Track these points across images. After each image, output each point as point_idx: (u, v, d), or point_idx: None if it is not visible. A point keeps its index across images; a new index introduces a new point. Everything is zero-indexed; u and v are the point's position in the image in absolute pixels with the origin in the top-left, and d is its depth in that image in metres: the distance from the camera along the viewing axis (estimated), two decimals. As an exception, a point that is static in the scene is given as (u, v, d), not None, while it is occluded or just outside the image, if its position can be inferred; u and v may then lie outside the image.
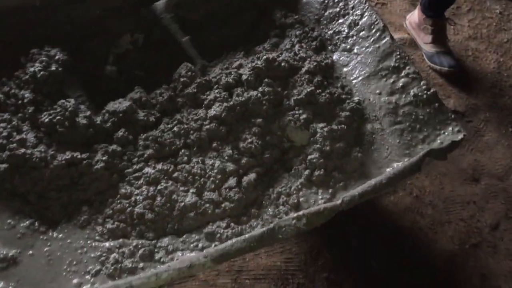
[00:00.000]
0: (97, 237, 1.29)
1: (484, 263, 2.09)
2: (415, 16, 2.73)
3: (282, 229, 1.16)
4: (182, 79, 1.50)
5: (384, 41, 1.54)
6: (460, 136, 1.39)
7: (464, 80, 2.67)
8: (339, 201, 1.20)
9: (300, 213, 1.18)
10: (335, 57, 1.61)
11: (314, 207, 1.19)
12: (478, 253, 2.11)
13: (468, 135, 2.47)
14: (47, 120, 1.37)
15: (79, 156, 1.35)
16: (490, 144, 2.46)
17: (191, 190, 1.37)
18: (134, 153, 1.41)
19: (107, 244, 1.27)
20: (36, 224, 1.27)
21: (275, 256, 1.98)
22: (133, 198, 1.33)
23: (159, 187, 1.35)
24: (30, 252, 1.23)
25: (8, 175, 1.29)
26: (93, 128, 1.42)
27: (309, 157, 1.42)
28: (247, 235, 1.13)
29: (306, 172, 1.42)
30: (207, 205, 1.35)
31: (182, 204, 1.33)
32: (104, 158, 1.37)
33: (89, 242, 1.27)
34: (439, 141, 1.41)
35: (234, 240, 1.13)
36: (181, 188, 1.37)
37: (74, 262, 1.23)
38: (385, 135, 1.47)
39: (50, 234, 1.27)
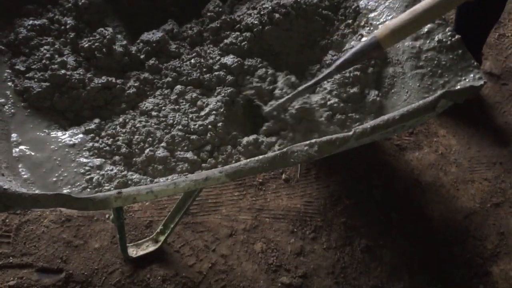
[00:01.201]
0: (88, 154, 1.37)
1: (504, 222, 2.10)
2: None
3: (294, 153, 1.22)
4: (209, 14, 1.58)
5: (413, -14, 1.55)
6: (480, 83, 1.41)
7: (503, 43, 2.62)
8: (351, 132, 1.25)
9: (313, 140, 1.24)
10: (363, 2, 1.64)
11: (327, 136, 1.25)
12: (499, 213, 2.12)
13: (502, 98, 2.45)
14: (86, 45, 1.48)
15: (113, 81, 1.45)
16: (524, 108, 2.43)
17: None
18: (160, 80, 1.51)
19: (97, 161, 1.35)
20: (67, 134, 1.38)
21: (295, 198, 2.06)
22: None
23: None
24: (54, 158, 1.33)
25: (49, 93, 1.41)
26: (128, 56, 1.52)
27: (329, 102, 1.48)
28: (260, 156, 1.21)
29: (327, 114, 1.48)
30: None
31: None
32: (136, 84, 1.47)
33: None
34: (459, 87, 1.43)
35: (248, 160, 1.21)
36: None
37: (65, 174, 1.30)
38: (406, 78, 1.50)
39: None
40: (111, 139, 1.37)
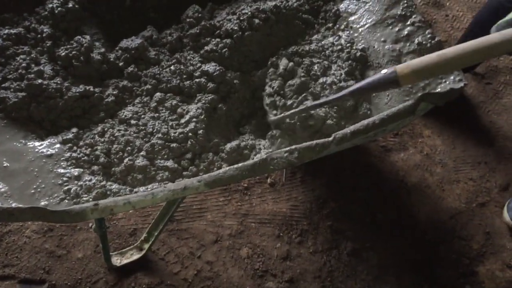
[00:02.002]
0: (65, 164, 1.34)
1: (490, 222, 2.11)
2: None
3: (274, 160, 1.21)
4: (188, 20, 1.56)
5: (393, -11, 1.55)
6: (460, 85, 1.40)
7: (487, 42, 2.62)
8: (331, 138, 1.24)
9: (293, 147, 1.23)
10: (343, 5, 1.63)
11: (307, 143, 1.24)
12: (484, 212, 2.12)
13: (486, 98, 2.46)
14: (63, 54, 1.46)
15: (91, 89, 1.44)
16: (508, 107, 2.43)
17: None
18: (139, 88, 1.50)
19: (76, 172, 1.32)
20: (44, 144, 1.36)
21: (281, 203, 2.05)
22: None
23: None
24: (31, 169, 1.30)
25: (25, 103, 1.39)
26: (106, 64, 1.50)
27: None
28: (240, 164, 1.20)
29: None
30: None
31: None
32: (114, 92, 1.45)
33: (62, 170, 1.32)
34: (439, 89, 1.43)
35: (227, 168, 1.19)
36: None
37: (43, 185, 1.28)
38: (387, 82, 1.49)
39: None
40: (89, 149, 1.35)
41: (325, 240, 1.97)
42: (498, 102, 2.44)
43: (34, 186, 1.27)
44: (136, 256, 1.79)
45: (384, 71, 1.23)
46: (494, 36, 1.15)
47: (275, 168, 1.22)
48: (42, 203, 1.23)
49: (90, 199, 1.25)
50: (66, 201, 1.25)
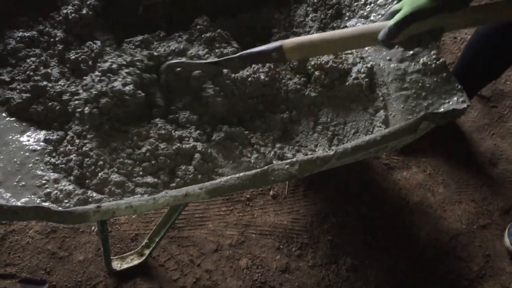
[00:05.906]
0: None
1: (491, 244, 2.11)
2: None
3: (275, 172, 1.23)
4: (198, 27, 1.60)
5: (400, 9, 1.57)
6: (463, 106, 1.42)
7: (494, 65, 2.64)
8: (332, 152, 1.26)
9: (294, 159, 1.25)
10: (351, 23, 1.66)
11: (308, 156, 1.26)
12: (485, 234, 2.13)
13: (491, 121, 2.47)
14: (73, 57, 1.49)
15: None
16: (513, 131, 2.44)
17: None
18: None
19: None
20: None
21: (282, 215, 2.06)
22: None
23: None
24: (15, 159, 1.30)
25: (27, 104, 1.40)
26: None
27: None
28: (241, 174, 1.22)
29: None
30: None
31: None
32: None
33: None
34: (442, 109, 1.44)
35: (229, 177, 1.22)
36: None
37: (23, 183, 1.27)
38: (391, 100, 1.52)
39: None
40: (65, 158, 1.34)
41: (324, 255, 1.98)
42: (503, 126, 2.45)
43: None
44: (136, 261, 1.81)
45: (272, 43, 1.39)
46: (374, 26, 1.33)
47: (276, 179, 1.24)
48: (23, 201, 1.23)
49: (71, 205, 1.25)
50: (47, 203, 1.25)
